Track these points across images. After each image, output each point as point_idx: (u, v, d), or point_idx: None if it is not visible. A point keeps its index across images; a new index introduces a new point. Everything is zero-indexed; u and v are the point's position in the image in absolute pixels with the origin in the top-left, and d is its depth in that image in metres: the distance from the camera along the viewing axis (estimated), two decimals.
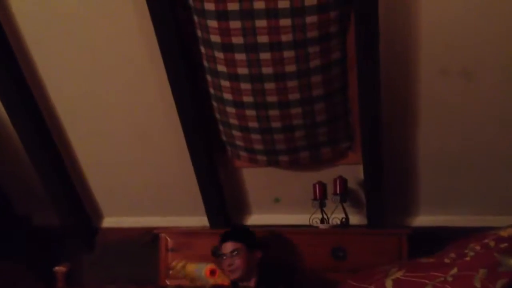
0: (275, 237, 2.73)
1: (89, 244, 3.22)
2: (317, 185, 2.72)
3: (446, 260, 1.69)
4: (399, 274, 1.73)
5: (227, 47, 2.33)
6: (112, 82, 2.65)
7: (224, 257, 2.43)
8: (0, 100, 2.70)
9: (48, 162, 2.92)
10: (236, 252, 2.41)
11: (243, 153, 2.78)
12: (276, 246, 2.69)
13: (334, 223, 2.73)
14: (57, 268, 2.97)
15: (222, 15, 2.25)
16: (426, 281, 1.60)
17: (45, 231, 3.21)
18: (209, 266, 2.72)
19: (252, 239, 2.49)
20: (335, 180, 2.70)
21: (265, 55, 2.32)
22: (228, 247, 2.44)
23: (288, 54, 2.31)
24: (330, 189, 2.73)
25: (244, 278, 2.41)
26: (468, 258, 1.61)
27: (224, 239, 2.48)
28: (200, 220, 3.01)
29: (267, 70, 2.37)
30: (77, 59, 2.58)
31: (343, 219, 2.73)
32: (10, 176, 3.16)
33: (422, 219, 2.82)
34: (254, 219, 3.03)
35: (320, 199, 2.72)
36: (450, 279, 1.55)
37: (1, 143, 2.99)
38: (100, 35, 2.49)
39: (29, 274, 2.98)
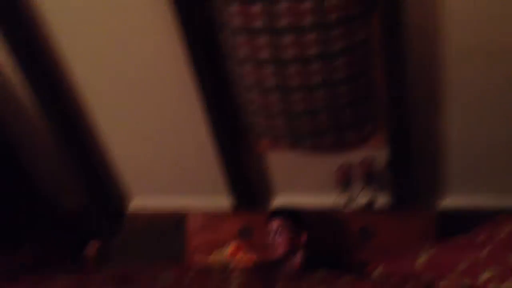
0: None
1: (116, 225, 3.26)
2: (342, 167, 2.72)
3: (479, 239, 1.68)
4: (431, 253, 1.73)
5: (249, 31, 2.32)
6: (136, 62, 2.67)
7: (270, 235, 2.42)
8: (26, 78, 2.74)
9: (74, 144, 2.98)
10: (281, 228, 2.40)
11: (266, 137, 2.78)
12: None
13: (360, 205, 2.73)
14: (87, 248, 3.01)
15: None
16: (459, 261, 1.59)
17: (73, 213, 3.27)
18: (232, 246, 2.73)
19: (298, 219, 2.47)
20: (360, 162, 2.70)
21: (287, 39, 2.30)
22: (275, 224, 2.43)
23: (310, 36, 2.29)
24: (355, 172, 2.72)
25: (288, 257, 2.38)
26: (502, 236, 1.60)
27: (271, 216, 2.47)
28: (225, 200, 3.04)
29: (289, 53, 2.35)
30: (98, 31, 2.60)
31: (369, 201, 2.73)
32: (37, 159, 3.21)
33: (450, 200, 2.79)
34: (279, 201, 3.03)
35: (346, 182, 2.72)
36: (483, 258, 1.54)
37: (27, 125, 3.05)
38: (126, 22, 2.52)
39: (59, 256, 3.03)
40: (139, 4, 2.44)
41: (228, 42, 2.44)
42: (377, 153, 2.71)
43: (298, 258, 2.39)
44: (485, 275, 1.46)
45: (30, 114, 2.96)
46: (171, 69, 2.62)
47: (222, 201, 3.06)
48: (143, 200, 3.26)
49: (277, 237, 2.39)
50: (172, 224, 3.06)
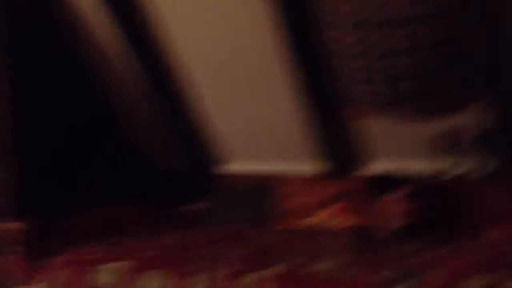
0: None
1: (208, 189, 3.30)
2: (448, 131, 2.58)
3: None
4: None
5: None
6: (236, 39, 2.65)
7: (384, 203, 2.40)
8: (128, 39, 2.82)
9: (171, 105, 3.07)
10: (400, 199, 2.37)
11: (367, 103, 2.65)
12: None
13: (467, 171, 2.61)
14: (184, 207, 3.08)
15: None
16: None
17: (168, 174, 3.36)
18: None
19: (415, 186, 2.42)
20: (467, 126, 2.55)
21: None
22: (394, 193, 2.40)
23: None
24: (461, 136, 2.57)
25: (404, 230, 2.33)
26: None
27: (386, 185, 2.45)
28: (320, 166, 3.00)
29: (394, 13, 2.20)
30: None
31: (476, 167, 2.60)
32: (135, 119, 3.28)
33: None
34: (377, 167, 2.93)
35: (452, 146, 2.59)
36: None
37: (126, 88, 3.12)
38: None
39: (163, 213, 3.13)
40: None
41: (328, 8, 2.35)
42: (486, 116, 2.53)
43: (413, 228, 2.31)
44: None
45: (129, 78, 3.05)
46: (266, 34, 2.56)
47: (316, 167, 3.01)
48: (236, 164, 3.29)
49: (394, 207, 2.33)
50: (265, 187, 3.08)
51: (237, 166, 3.29)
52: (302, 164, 3.05)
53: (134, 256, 1.54)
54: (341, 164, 2.95)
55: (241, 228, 2.14)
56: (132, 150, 3.40)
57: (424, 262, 1.44)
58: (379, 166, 2.93)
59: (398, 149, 2.84)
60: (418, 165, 2.79)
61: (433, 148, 2.66)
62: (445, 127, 2.60)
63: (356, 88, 2.59)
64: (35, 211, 2.30)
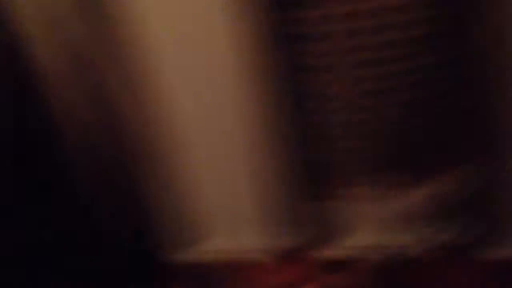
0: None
1: (151, 276, 3.04)
2: (427, 199, 2.44)
3: None
4: None
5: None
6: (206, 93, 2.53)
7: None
8: None
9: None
10: None
11: (350, 177, 2.55)
12: None
13: (447, 240, 2.45)
14: None
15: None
16: None
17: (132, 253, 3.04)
18: None
19: None
20: (447, 193, 2.42)
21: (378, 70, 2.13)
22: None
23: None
24: (444, 203, 2.43)
25: None
26: None
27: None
28: (291, 242, 2.78)
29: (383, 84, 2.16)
30: None
31: (460, 235, 2.45)
32: (99, 194, 2.93)
33: None
34: (350, 241, 2.73)
35: (431, 215, 2.45)
36: None
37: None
38: None
39: None
40: None
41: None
42: (468, 181, 2.41)
43: None
44: None
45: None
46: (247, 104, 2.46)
47: (288, 243, 2.81)
48: (210, 242, 3.03)
49: None
50: (232, 271, 2.84)
51: (189, 252, 3.05)
52: (264, 245, 2.85)
53: None
54: (317, 240, 2.77)
55: None
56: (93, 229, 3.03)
57: None
58: (356, 240, 2.75)
59: (371, 224, 2.69)
60: (388, 239, 2.64)
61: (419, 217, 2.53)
62: (425, 194, 2.46)
63: (331, 159, 2.51)
64: None
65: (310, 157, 2.58)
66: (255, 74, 2.34)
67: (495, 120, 2.19)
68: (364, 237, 2.74)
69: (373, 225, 2.70)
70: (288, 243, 2.81)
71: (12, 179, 2.58)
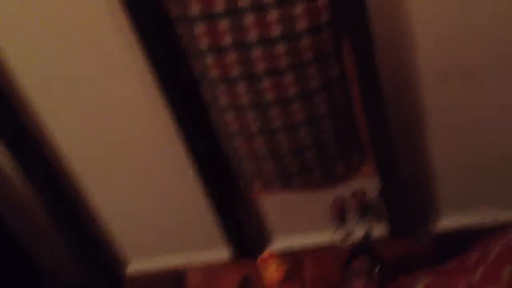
0: (299, 259, 2.71)
1: None
2: (335, 203, 2.70)
3: (471, 261, 1.65)
4: (426, 282, 1.69)
5: (226, 80, 2.35)
6: (118, 125, 2.67)
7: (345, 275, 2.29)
8: (11, 153, 2.70)
9: (64, 215, 2.93)
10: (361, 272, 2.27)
11: (256, 182, 2.77)
12: (301, 270, 2.68)
13: (357, 238, 2.69)
14: None
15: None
16: (455, 285, 1.56)
17: (70, 286, 3.21)
18: None
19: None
20: (352, 195, 2.68)
21: (265, 83, 2.34)
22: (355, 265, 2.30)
23: (288, 78, 2.33)
24: (349, 205, 2.69)
25: None
26: (492, 256, 1.58)
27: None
28: (224, 252, 3.01)
29: (269, 96, 2.38)
30: (82, 106, 2.61)
31: (364, 234, 2.69)
32: (31, 235, 3.16)
33: (446, 222, 2.78)
34: (276, 244, 3.00)
35: (341, 216, 2.69)
36: (477, 279, 1.51)
37: (16, 201, 3.00)
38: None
39: None
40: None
41: (208, 93, 2.46)
42: (368, 183, 2.71)
43: None
44: None
45: (20, 191, 2.92)
46: (154, 127, 2.62)
47: (221, 253, 3.02)
48: (140, 263, 3.21)
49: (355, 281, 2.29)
50: (172, 284, 3.00)
51: (140, 266, 3.19)
52: (207, 254, 3.03)
53: None
54: (245, 247, 2.96)
55: None
56: (30, 267, 3.22)
57: None
58: (279, 244, 2.98)
59: (294, 225, 2.93)
60: (313, 238, 2.89)
61: (326, 219, 2.76)
62: (334, 198, 2.71)
63: (244, 167, 2.68)
64: None
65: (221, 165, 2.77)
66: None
67: (382, 127, 2.42)
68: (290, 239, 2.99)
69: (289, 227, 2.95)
70: (221, 253, 3.01)
71: None
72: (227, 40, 2.25)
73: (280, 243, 2.99)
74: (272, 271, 2.64)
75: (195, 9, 2.21)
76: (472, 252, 1.73)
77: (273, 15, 2.18)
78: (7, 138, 2.65)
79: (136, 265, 3.21)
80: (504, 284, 1.39)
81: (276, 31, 2.21)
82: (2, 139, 2.65)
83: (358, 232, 2.66)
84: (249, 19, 2.19)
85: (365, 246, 2.43)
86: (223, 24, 2.21)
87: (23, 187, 2.87)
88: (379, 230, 2.81)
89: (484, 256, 1.59)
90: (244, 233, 2.94)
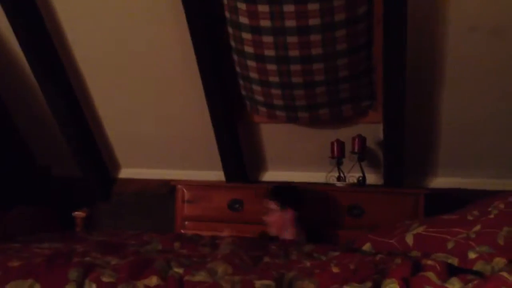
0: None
1: (106, 194, 3.26)
2: (335, 143, 2.71)
3: (469, 217, 1.68)
4: (420, 230, 1.73)
5: None
6: (134, 34, 2.61)
7: (266, 212, 2.52)
8: (23, 51, 2.69)
9: (67, 113, 2.93)
10: (268, 210, 2.50)
11: (262, 108, 2.76)
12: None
13: (351, 181, 2.73)
14: (76, 213, 3.02)
15: None
16: (448, 237, 1.59)
17: (65, 181, 3.27)
18: None
19: (286, 198, 2.51)
20: (353, 139, 2.68)
21: (289, 7, 2.27)
22: (266, 204, 2.52)
23: (312, 7, 2.25)
24: (348, 148, 2.71)
25: (281, 234, 2.47)
26: (492, 216, 1.60)
27: (269, 196, 2.54)
28: (217, 175, 3.04)
29: (290, 23, 2.32)
30: (99, 6, 2.54)
31: (360, 178, 2.73)
32: (31, 128, 3.20)
33: (440, 181, 2.80)
34: (271, 175, 3.04)
35: (338, 157, 2.71)
36: (473, 235, 1.54)
37: (23, 94, 3.01)
38: None
39: (51, 219, 3.03)
40: None
41: (228, 9, 2.39)
42: (373, 129, 2.71)
43: (289, 234, 2.44)
44: (473, 253, 1.47)
45: (29, 84, 2.91)
46: (167, 38, 2.57)
47: (215, 175, 3.05)
48: (134, 170, 3.25)
49: (269, 217, 2.48)
50: (163, 193, 3.07)
51: (134, 174, 3.23)
52: (202, 174, 3.06)
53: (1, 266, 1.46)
54: (239, 172, 2.99)
55: (125, 236, 2.11)
56: (29, 159, 3.29)
57: (303, 271, 1.50)
58: (273, 174, 3.02)
59: (292, 158, 2.94)
60: (309, 175, 2.91)
61: (323, 158, 2.78)
62: (336, 138, 2.71)
63: (252, 91, 2.65)
64: None
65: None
66: None
67: (398, 75, 2.38)
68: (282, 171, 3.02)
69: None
70: (215, 173, 3.05)
71: None
72: None
73: (276, 174, 3.02)
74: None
75: None
76: (472, 207, 1.75)
77: None
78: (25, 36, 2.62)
79: (130, 172, 3.25)
80: (498, 246, 1.41)
81: None
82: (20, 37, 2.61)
83: (352, 176, 2.73)
84: None
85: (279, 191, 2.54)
86: None
87: (28, 78, 2.86)
88: (374, 177, 2.85)
89: (482, 215, 1.60)
90: (241, 158, 2.95)
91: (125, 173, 3.27)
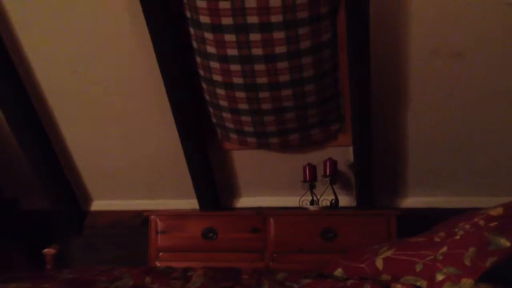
0: (264, 218, 2.73)
1: (78, 227, 3.20)
2: (307, 167, 2.73)
3: (436, 239, 1.70)
4: (389, 253, 1.74)
5: (216, 28, 2.31)
6: (100, 65, 2.61)
7: None
8: None
9: (35, 145, 2.89)
10: None
11: (233, 135, 2.77)
12: (266, 228, 2.69)
13: (324, 204, 2.74)
14: (46, 250, 2.95)
15: None
16: (417, 260, 1.61)
17: (34, 215, 3.20)
18: None
19: None
20: (325, 162, 2.71)
21: (255, 36, 2.31)
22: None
23: (278, 35, 2.30)
24: (320, 171, 2.73)
25: None
26: (458, 237, 1.62)
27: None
28: (190, 203, 3.02)
29: (257, 51, 2.35)
30: (64, 39, 2.53)
31: (333, 201, 2.74)
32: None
33: (411, 201, 2.84)
34: (244, 201, 3.03)
35: (310, 181, 2.73)
36: (440, 257, 1.56)
37: None
38: (85, 14, 2.44)
39: (18, 257, 2.95)
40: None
41: (196, 39, 2.41)
42: (343, 152, 2.74)
43: None
44: (441, 275, 1.48)
45: None
46: (136, 67, 2.57)
47: (188, 203, 3.03)
48: (105, 202, 3.20)
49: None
50: (136, 224, 3.04)
51: (106, 206, 3.18)
52: (174, 203, 3.05)
53: None
54: (212, 200, 2.97)
55: (95, 272, 2.07)
56: None
57: None
58: (246, 201, 3.02)
59: (264, 184, 2.94)
60: (281, 199, 2.92)
61: (295, 182, 2.79)
62: (307, 163, 2.74)
63: (223, 118, 2.65)
64: None
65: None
66: None
67: (364, 98, 2.43)
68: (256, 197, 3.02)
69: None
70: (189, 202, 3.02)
71: None
72: None
73: (249, 200, 3.02)
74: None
75: None
76: (439, 229, 1.77)
77: None
78: None
79: (102, 204, 3.21)
80: (465, 267, 1.43)
81: None
82: None
83: (325, 199, 2.72)
84: None
85: None
86: None
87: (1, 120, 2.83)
88: (347, 199, 2.86)
89: (448, 236, 1.62)
90: (214, 186, 2.95)
91: (97, 205, 3.22)
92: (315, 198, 2.75)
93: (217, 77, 2.50)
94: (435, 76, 2.38)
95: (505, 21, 2.16)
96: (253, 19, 2.27)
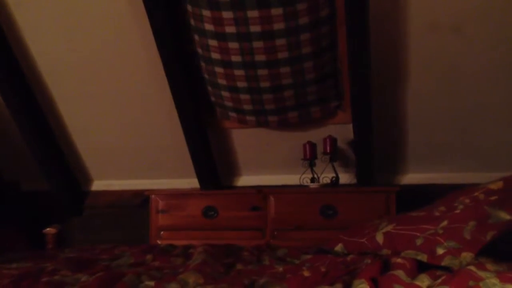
0: (264, 196, 2.73)
1: (78, 208, 3.21)
2: (307, 145, 2.72)
3: (436, 213, 1.70)
4: (389, 228, 1.74)
5: (214, 5, 2.28)
6: (97, 42, 2.58)
7: None
8: None
9: (34, 126, 2.88)
10: None
11: (232, 114, 2.75)
12: (266, 206, 2.70)
13: (324, 182, 2.74)
14: (46, 230, 2.97)
15: None
16: (417, 234, 1.61)
17: (34, 196, 3.20)
18: None
19: None
20: (324, 140, 2.70)
21: (252, 13, 2.28)
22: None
23: (276, 11, 2.27)
24: (320, 149, 2.72)
25: None
26: (458, 211, 1.62)
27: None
28: (190, 182, 3.02)
29: (255, 28, 2.32)
30: (61, 17, 2.51)
31: (333, 178, 2.75)
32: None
33: (411, 177, 2.84)
34: (244, 180, 3.03)
35: (310, 159, 2.72)
36: (440, 231, 1.56)
37: None
38: None
39: (20, 237, 2.97)
40: None
41: (194, 16, 2.38)
42: (342, 129, 2.72)
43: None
44: (441, 249, 1.49)
45: None
46: (134, 47, 2.55)
47: (188, 183, 3.03)
48: (105, 182, 3.21)
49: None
50: (137, 204, 3.04)
51: (106, 186, 3.18)
52: (175, 183, 3.04)
53: None
54: (212, 179, 2.97)
55: (96, 251, 2.08)
56: None
57: (275, 276, 1.51)
58: (246, 179, 3.02)
59: (264, 162, 2.94)
60: (281, 177, 2.92)
61: (295, 160, 2.78)
62: (307, 141, 2.73)
63: (221, 97, 2.63)
64: None
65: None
66: None
67: (363, 74, 2.41)
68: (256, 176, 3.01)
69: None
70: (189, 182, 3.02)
71: None
72: None
73: (249, 179, 3.02)
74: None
75: None
76: (439, 203, 1.77)
77: None
78: None
79: (103, 184, 3.21)
80: (464, 241, 1.43)
81: None
82: None
83: (325, 176, 2.73)
84: None
85: None
86: None
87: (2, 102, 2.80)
88: (347, 176, 2.86)
89: (448, 211, 1.62)
90: (214, 164, 2.94)
91: (97, 185, 3.22)
92: (315, 176, 2.75)
93: (216, 55, 2.47)
94: (435, 50, 2.35)
95: None
96: None
